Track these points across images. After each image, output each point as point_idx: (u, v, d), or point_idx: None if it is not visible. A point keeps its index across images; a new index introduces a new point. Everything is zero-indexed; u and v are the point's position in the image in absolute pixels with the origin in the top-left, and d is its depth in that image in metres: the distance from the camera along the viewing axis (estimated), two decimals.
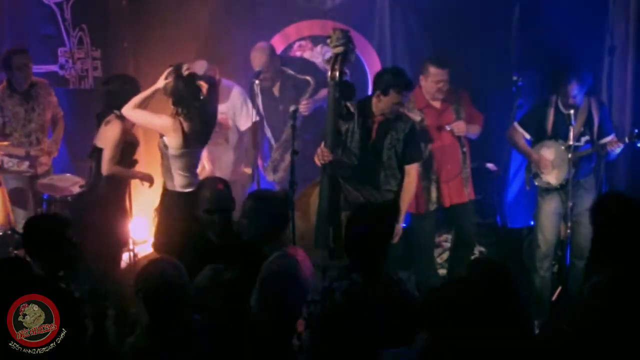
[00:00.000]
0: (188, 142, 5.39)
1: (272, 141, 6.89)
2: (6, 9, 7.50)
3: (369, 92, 7.05)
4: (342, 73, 5.26)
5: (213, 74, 6.74)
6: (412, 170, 5.67)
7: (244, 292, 3.99)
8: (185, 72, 5.41)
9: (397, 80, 5.46)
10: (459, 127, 6.21)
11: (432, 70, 6.17)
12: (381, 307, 3.53)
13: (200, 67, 6.59)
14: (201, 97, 5.47)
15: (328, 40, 5.35)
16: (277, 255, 4.07)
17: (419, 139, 5.82)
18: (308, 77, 6.72)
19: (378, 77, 5.61)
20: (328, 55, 7.23)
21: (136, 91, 5.68)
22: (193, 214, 4.81)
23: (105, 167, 5.68)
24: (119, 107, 5.63)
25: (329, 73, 5.28)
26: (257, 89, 6.47)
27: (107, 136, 5.66)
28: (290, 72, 6.77)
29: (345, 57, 5.29)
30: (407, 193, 5.67)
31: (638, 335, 3.17)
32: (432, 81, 6.18)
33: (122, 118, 5.66)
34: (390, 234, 3.94)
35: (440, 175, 6.24)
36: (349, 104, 5.51)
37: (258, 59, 6.67)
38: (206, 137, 5.61)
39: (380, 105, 5.51)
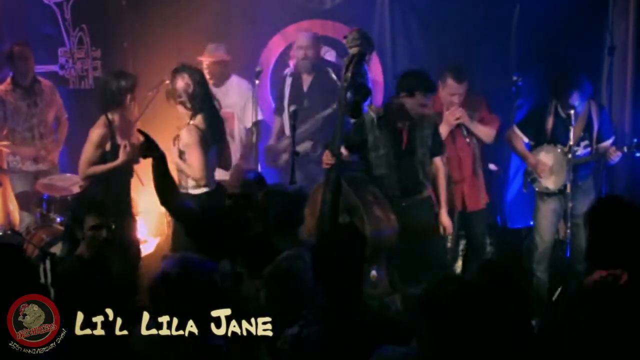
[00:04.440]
0: (206, 142, 5.40)
1: (286, 130, 6.88)
2: (6, 9, 7.51)
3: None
4: (355, 74, 5.23)
5: (225, 59, 6.83)
6: (440, 162, 5.80)
7: (256, 283, 3.99)
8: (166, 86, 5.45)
9: (422, 82, 5.53)
10: (455, 112, 6.18)
11: (450, 82, 6.17)
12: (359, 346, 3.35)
13: (210, 50, 6.67)
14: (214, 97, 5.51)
15: (344, 41, 5.33)
16: (289, 254, 4.06)
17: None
18: None
19: (403, 79, 5.63)
20: (328, 55, 7.35)
21: (133, 87, 5.69)
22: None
23: (80, 170, 5.71)
24: (113, 107, 5.66)
25: (343, 73, 5.27)
26: (256, 90, 6.51)
27: (88, 138, 5.67)
28: (333, 75, 6.79)
29: (361, 59, 5.26)
30: (442, 184, 5.81)
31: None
32: (447, 92, 6.18)
33: (110, 122, 5.66)
34: (362, 258, 3.62)
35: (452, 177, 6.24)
36: (371, 107, 5.54)
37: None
38: (221, 135, 5.61)
39: (404, 107, 5.54)
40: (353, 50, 5.22)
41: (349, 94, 5.23)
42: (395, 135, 5.60)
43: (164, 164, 4.30)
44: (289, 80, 7.02)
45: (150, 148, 4.21)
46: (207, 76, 6.74)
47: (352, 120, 5.52)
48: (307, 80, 7.03)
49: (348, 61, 5.24)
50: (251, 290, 4.03)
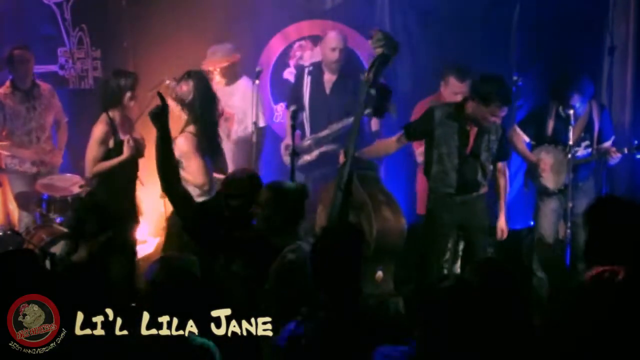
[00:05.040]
0: (202, 150, 5.40)
1: (307, 130, 6.86)
2: (6, 9, 7.51)
3: None
4: (376, 75, 5.20)
5: (234, 60, 6.81)
6: (504, 166, 5.82)
7: (254, 282, 4.00)
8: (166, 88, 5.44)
9: (500, 93, 5.36)
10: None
11: (452, 81, 6.17)
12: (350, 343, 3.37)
13: (221, 51, 6.65)
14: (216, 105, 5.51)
15: (370, 41, 5.33)
16: (292, 247, 4.06)
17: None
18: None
19: (481, 85, 5.45)
20: None
21: (133, 86, 5.71)
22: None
23: (87, 168, 5.73)
24: (113, 105, 5.68)
25: (366, 73, 5.24)
26: (256, 90, 6.50)
27: (91, 136, 5.69)
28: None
29: (384, 60, 5.23)
30: (505, 188, 5.83)
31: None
32: (450, 91, 6.19)
33: (111, 119, 5.68)
34: (361, 253, 3.61)
35: None
36: (390, 108, 5.47)
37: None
38: (216, 140, 5.62)
39: (477, 112, 5.43)
40: (377, 51, 5.23)
41: (371, 94, 5.22)
42: (462, 137, 5.53)
43: (169, 137, 4.33)
44: (308, 79, 6.87)
45: (161, 115, 4.23)
46: (218, 78, 6.75)
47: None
48: (329, 80, 6.86)
49: (372, 62, 5.24)
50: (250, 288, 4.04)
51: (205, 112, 5.42)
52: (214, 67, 6.73)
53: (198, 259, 3.84)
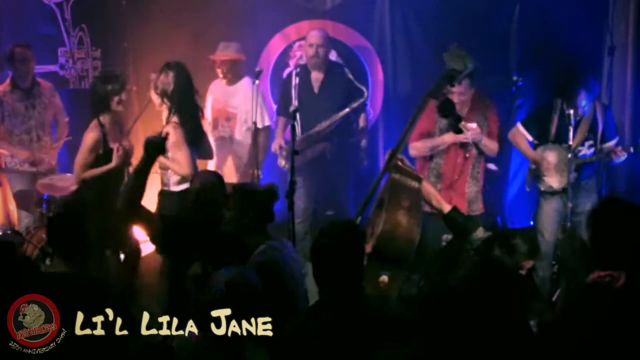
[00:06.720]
0: (188, 139, 5.43)
1: (298, 131, 6.77)
2: (6, 9, 7.53)
3: (369, 90, 7.06)
4: (438, 88, 5.17)
5: (241, 58, 6.83)
6: None
7: None
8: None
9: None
10: (471, 134, 6.09)
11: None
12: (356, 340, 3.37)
13: (233, 46, 6.68)
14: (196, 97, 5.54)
15: (444, 54, 5.32)
16: (264, 247, 4.07)
17: None
18: (363, 88, 6.83)
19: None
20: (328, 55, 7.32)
21: (120, 90, 5.69)
22: (184, 208, 4.78)
23: (75, 174, 5.73)
24: (102, 111, 5.67)
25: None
26: (256, 90, 6.51)
27: (82, 143, 5.69)
28: (349, 75, 6.82)
29: (449, 75, 5.18)
30: None
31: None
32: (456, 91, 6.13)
33: (102, 125, 5.67)
34: (361, 253, 3.62)
35: (443, 181, 6.20)
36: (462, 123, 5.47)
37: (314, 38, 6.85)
38: (198, 129, 5.64)
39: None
40: (447, 65, 5.21)
41: (426, 106, 5.21)
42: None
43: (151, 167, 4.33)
44: (296, 80, 6.86)
45: (160, 146, 4.25)
46: (220, 74, 6.78)
47: None
48: (317, 79, 6.88)
49: (439, 75, 5.23)
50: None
51: (186, 101, 5.53)
52: (222, 59, 6.76)
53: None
